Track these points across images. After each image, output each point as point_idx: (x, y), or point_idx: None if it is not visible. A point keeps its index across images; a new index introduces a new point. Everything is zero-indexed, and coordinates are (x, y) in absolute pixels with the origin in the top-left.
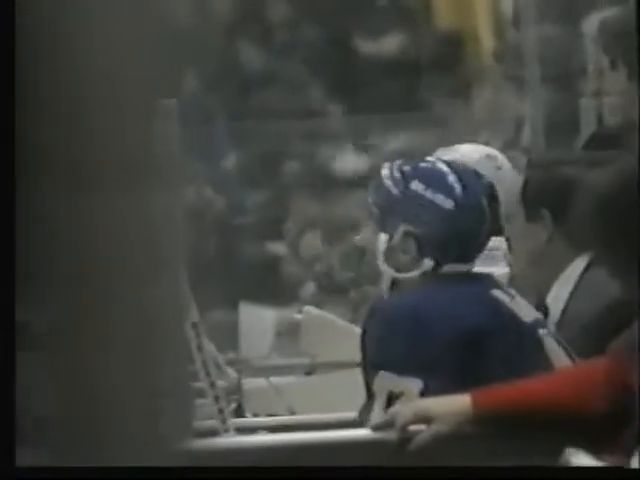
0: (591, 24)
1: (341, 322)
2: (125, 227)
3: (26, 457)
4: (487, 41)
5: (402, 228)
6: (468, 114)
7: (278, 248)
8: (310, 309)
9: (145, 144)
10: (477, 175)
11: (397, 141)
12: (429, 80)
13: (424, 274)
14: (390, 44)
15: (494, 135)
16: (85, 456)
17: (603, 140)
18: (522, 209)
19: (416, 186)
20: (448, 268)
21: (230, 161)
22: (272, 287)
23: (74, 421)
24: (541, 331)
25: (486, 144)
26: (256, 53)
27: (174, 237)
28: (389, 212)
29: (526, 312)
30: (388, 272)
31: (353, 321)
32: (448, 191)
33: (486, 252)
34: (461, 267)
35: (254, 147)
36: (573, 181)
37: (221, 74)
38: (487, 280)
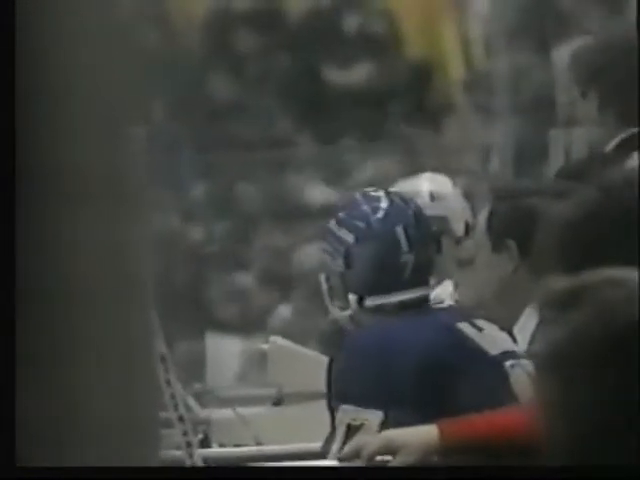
0: (562, 54)
1: (308, 352)
2: (93, 257)
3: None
4: (456, 70)
5: (331, 267)
6: (437, 143)
7: (245, 278)
8: (276, 339)
9: (112, 172)
10: (400, 206)
11: (366, 171)
12: (398, 109)
13: (384, 308)
14: (359, 74)
15: (463, 164)
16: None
17: (571, 172)
18: (488, 239)
19: (332, 225)
20: (370, 301)
21: (198, 191)
22: (239, 317)
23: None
24: (508, 363)
25: (454, 173)
26: (226, 83)
27: (142, 267)
28: (325, 252)
29: (493, 344)
30: (333, 311)
31: (323, 352)
32: (349, 226)
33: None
34: (384, 299)
35: (222, 177)
36: (538, 212)
37: (190, 104)
38: (454, 313)
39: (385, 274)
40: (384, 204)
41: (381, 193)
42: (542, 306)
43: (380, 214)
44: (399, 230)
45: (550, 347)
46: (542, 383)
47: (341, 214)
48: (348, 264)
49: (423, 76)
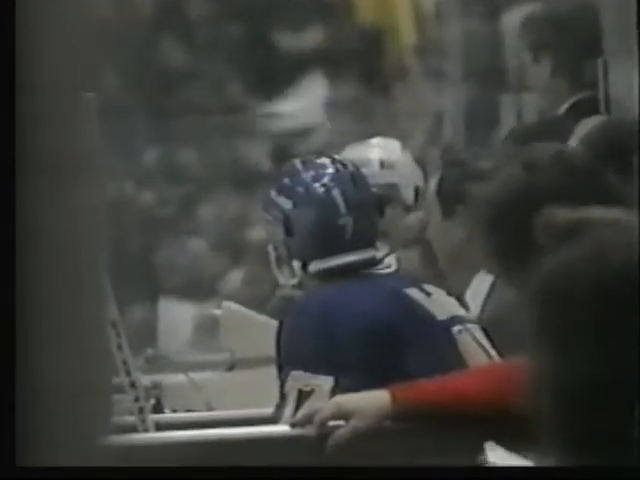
0: (513, 20)
1: (261, 317)
2: (45, 223)
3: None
4: (408, 36)
5: (274, 236)
6: (389, 108)
7: (197, 244)
8: (229, 304)
9: (64, 138)
10: (339, 169)
11: (318, 136)
12: (349, 74)
13: (329, 273)
14: (310, 39)
15: (414, 130)
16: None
17: (521, 136)
18: (438, 205)
19: (272, 193)
20: (313, 266)
21: (151, 157)
22: (192, 283)
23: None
24: (455, 328)
25: (406, 139)
26: (177, 49)
27: (95, 233)
28: (267, 222)
29: (442, 309)
30: (281, 280)
31: (274, 318)
32: (288, 192)
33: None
34: (327, 263)
35: (175, 143)
36: (487, 177)
37: (142, 70)
38: (402, 278)
39: (325, 238)
40: (323, 170)
41: (321, 159)
42: (541, 235)
43: (318, 179)
44: (336, 193)
45: (544, 280)
46: (534, 318)
47: (281, 182)
48: (289, 231)
49: (374, 41)
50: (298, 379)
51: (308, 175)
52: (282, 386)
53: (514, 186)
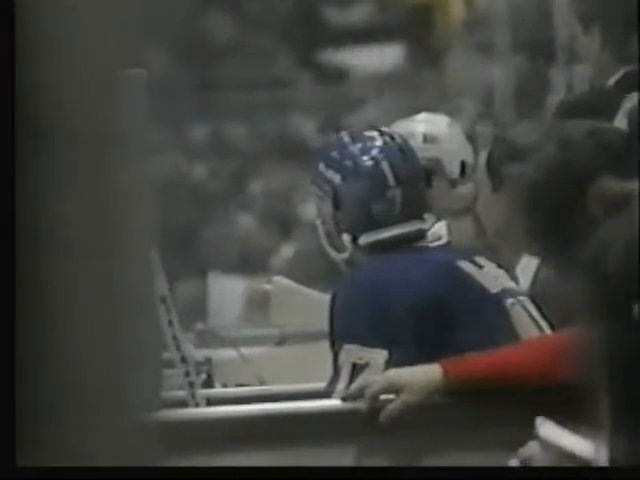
0: None
1: (311, 292)
2: (92, 198)
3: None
4: (457, 10)
5: (323, 210)
6: (439, 82)
7: (248, 218)
8: (279, 279)
9: (112, 114)
10: (387, 141)
11: (367, 111)
12: (399, 49)
13: (380, 246)
14: (359, 13)
15: (464, 103)
16: (54, 428)
17: (568, 110)
18: (487, 180)
19: (320, 167)
20: (363, 239)
21: (200, 132)
22: (242, 257)
23: (40, 397)
24: (508, 301)
25: (456, 112)
26: (225, 23)
27: (142, 208)
28: (316, 196)
29: (494, 282)
30: (331, 254)
31: (325, 292)
32: (336, 166)
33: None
34: (376, 235)
35: (223, 117)
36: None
37: (190, 45)
38: (454, 251)
39: (374, 210)
40: (371, 142)
41: (369, 132)
42: (593, 205)
43: (366, 151)
44: (384, 165)
45: (596, 251)
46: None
47: (329, 155)
48: (337, 204)
49: (424, 15)
50: (352, 352)
51: (356, 148)
52: (335, 360)
53: (550, 165)
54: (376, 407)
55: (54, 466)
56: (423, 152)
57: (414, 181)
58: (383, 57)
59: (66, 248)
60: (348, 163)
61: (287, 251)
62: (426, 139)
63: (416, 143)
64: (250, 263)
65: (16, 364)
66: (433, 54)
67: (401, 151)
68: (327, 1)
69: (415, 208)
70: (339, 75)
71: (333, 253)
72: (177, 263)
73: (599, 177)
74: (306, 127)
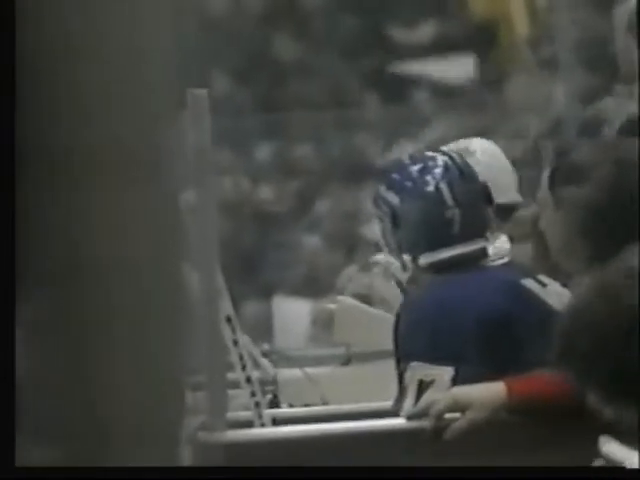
0: (621, 10)
1: (375, 311)
2: (156, 218)
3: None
4: (521, 27)
5: (384, 231)
6: (502, 100)
7: (313, 239)
8: (344, 299)
9: (174, 135)
10: (445, 162)
11: (432, 130)
12: (463, 67)
13: (441, 266)
14: (424, 31)
15: (527, 120)
16: (113, 455)
17: (633, 126)
18: (550, 198)
19: (381, 189)
20: (423, 259)
21: (265, 152)
22: (308, 278)
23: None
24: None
25: (519, 130)
26: (290, 44)
27: (207, 229)
28: (377, 217)
29: (558, 300)
30: (394, 274)
31: (390, 311)
32: (396, 187)
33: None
34: (436, 255)
35: (289, 138)
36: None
37: (256, 65)
38: (517, 269)
39: (433, 231)
40: (430, 163)
41: (429, 153)
42: None
43: (425, 172)
44: (443, 185)
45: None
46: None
47: (389, 177)
48: (396, 225)
49: (488, 33)
50: (418, 370)
51: (415, 169)
52: (401, 378)
53: (608, 185)
54: (441, 425)
55: (54, 466)
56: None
57: (474, 201)
58: (448, 75)
59: (131, 267)
60: (407, 184)
61: (352, 271)
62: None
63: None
64: (316, 283)
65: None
66: (497, 72)
67: (460, 171)
68: (393, 20)
69: (475, 228)
70: (404, 94)
71: (396, 273)
72: (243, 283)
73: None
74: (372, 147)
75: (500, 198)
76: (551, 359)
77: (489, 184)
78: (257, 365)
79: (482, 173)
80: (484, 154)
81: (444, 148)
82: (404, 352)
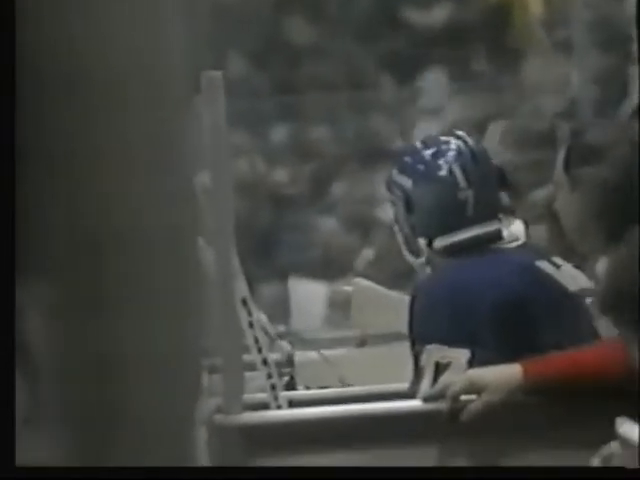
0: None
1: (391, 293)
2: (171, 202)
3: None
4: (535, 7)
5: (397, 215)
6: (517, 82)
7: (329, 221)
8: (360, 281)
9: (189, 117)
10: (457, 144)
11: (448, 112)
12: (478, 49)
13: (456, 248)
14: (438, 14)
15: (543, 102)
16: (129, 437)
17: None
18: (566, 179)
19: (394, 173)
20: (438, 242)
21: (281, 134)
22: (324, 261)
23: (119, 402)
24: (588, 300)
25: (534, 112)
26: (305, 26)
27: (223, 211)
28: (390, 202)
29: (573, 282)
30: (409, 259)
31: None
32: (409, 171)
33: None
34: (451, 238)
35: (304, 120)
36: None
37: (270, 48)
38: (531, 251)
39: (447, 213)
40: (442, 146)
41: (441, 137)
42: None
43: (438, 156)
44: (455, 168)
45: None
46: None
47: (402, 161)
48: (410, 209)
49: (502, 15)
50: (434, 352)
51: (428, 153)
52: (416, 360)
53: (623, 166)
54: (457, 407)
55: (54, 466)
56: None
57: (487, 183)
58: (462, 57)
59: (146, 248)
60: (420, 167)
61: (368, 253)
62: None
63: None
64: (332, 266)
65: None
66: (512, 54)
67: (472, 154)
68: (406, 2)
69: (489, 210)
70: (420, 76)
71: (411, 258)
72: (259, 266)
73: None
74: (387, 129)
75: None
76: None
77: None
78: (273, 344)
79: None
80: None
81: (458, 131)
82: (420, 334)
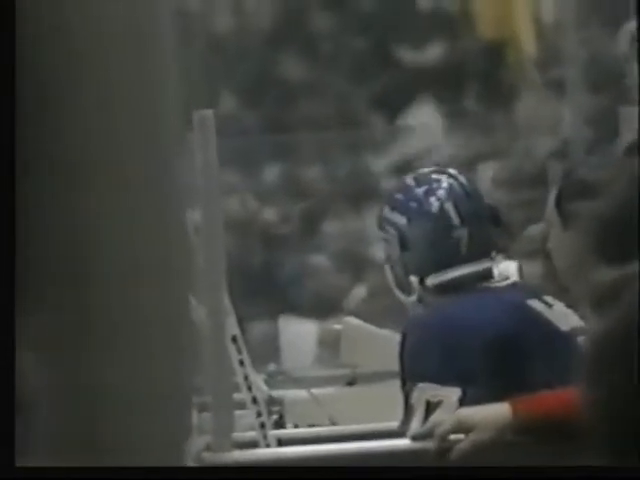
0: (626, 31)
1: (382, 332)
2: (162, 240)
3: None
4: (528, 48)
5: (390, 253)
6: (510, 121)
7: (320, 260)
8: (350, 319)
9: (181, 155)
10: (450, 182)
11: (437, 151)
12: (471, 88)
13: (448, 286)
14: (432, 53)
15: (535, 141)
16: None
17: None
18: (558, 218)
19: (386, 211)
20: (431, 280)
21: (273, 173)
22: (315, 299)
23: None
24: (580, 339)
25: (526, 151)
26: (298, 63)
27: (214, 249)
28: (383, 240)
29: (564, 321)
30: (400, 297)
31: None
32: (401, 208)
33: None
34: (444, 276)
35: (296, 158)
36: (602, 192)
37: (263, 85)
38: (523, 290)
39: (440, 251)
40: (435, 184)
41: (433, 174)
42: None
43: (430, 193)
44: (449, 206)
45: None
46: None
47: (394, 198)
48: (404, 247)
49: (495, 54)
50: (425, 391)
51: (421, 190)
52: (407, 399)
53: (620, 203)
54: (445, 446)
55: (54, 466)
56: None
57: (480, 221)
58: (455, 96)
59: (138, 286)
60: (413, 205)
61: (359, 292)
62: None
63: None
64: (322, 304)
65: (74, 400)
66: (505, 92)
67: (465, 191)
68: (399, 42)
69: (482, 248)
70: (411, 115)
71: (402, 296)
72: (249, 304)
73: None
74: (379, 168)
75: None
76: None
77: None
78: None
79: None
80: None
81: (449, 169)
82: (411, 373)
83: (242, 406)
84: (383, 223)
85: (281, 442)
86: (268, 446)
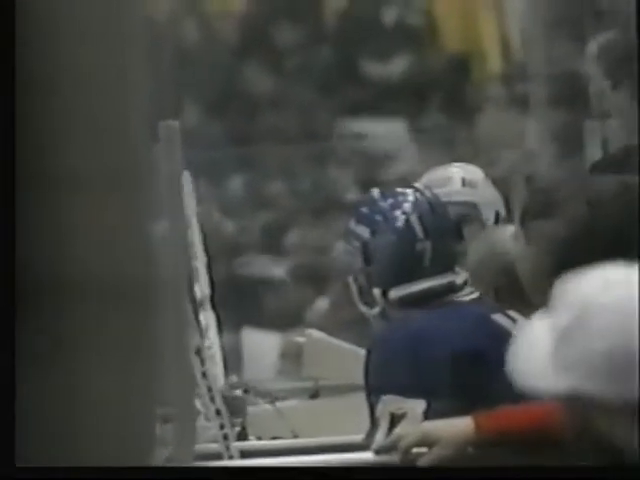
0: (592, 47)
1: (344, 345)
2: (126, 250)
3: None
4: (494, 62)
5: (353, 266)
6: (473, 136)
7: (281, 272)
8: (312, 332)
9: (146, 165)
10: (415, 196)
11: (404, 164)
12: (436, 102)
13: (411, 299)
14: (397, 67)
15: (498, 156)
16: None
17: (609, 164)
18: (522, 233)
19: (351, 224)
20: (394, 293)
21: (236, 184)
22: (277, 311)
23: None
24: None
25: (489, 165)
26: (264, 76)
27: (177, 261)
28: (347, 252)
29: None
30: (363, 310)
31: (361, 345)
32: (366, 221)
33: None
34: (407, 289)
35: (260, 170)
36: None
37: (228, 97)
38: (488, 305)
39: (403, 264)
40: (400, 197)
41: (399, 188)
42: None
43: (396, 206)
44: (413, 219)
45: None
46: None
47: (359, 211)
48: (367, 259)
49: (460, 68)
50: (390, 403)
51: (386, 203)
52: (372, 411)
53: (578, 223)
54: (409, 460)
55: (54, 466)
56: (461, 196)
57: (444, 234)
58: (419, 109)
59: (98, 299)
60: (377, 218)
61: (321, 304)
62: (465, 183)
63: (455, 187)
64: (285, 317)
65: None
66: (469, 106)
67: (430, 205)
68: (364, 54)
69: (446, 261)
70: (375, 128)
71: (365, 309)
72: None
73: (626, 235)
74: (342, 181)
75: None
76: None
77: (478, 201)
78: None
79: (469, 193)
80: (469, 175)
81: (416, 183)
82: (375, 385)
83: (205, 418)
84: (348, 236)
85: (244, 454)
86: (231, 458)
